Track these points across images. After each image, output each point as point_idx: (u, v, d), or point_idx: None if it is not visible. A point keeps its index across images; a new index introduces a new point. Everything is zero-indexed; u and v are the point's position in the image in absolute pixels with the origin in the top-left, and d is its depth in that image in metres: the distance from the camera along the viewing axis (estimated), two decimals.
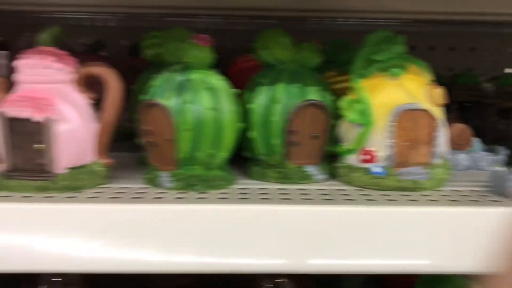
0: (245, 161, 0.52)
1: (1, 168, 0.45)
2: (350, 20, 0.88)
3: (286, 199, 0.43)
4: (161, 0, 0.84)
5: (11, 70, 0.60)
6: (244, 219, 0.40)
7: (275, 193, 0.45)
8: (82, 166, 0.45)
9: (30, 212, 0.39)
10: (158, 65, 0.56)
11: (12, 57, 0.59)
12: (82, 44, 0.80)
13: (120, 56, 0.83)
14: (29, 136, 0.43)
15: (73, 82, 0.46)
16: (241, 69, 0.57)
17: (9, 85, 0.47)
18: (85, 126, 0.45)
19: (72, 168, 0.44)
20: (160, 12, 0.86)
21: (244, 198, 0.43)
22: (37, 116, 0.42)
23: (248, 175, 0.50)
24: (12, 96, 0.44)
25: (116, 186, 0.46)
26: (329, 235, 0.39)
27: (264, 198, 0.43)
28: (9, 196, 0.42)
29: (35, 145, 0.43)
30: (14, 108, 0.42)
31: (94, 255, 0.39)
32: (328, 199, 0.43)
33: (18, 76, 0.45)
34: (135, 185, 0.47)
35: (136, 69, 0.62)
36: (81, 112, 0.45)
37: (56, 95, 0.44)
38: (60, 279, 0.57)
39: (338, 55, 0.60)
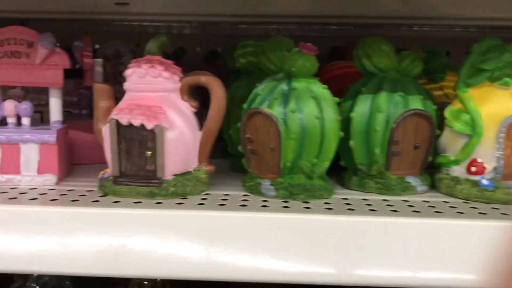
0: (337, 170, 0.51)
1: (107, 174, 0.46)
2: (439, 27, 0.86)
3: (394, 211, 0.42)
4: (234, 8, 0.84)
5: (106, 77, 0.62)
6: (356, 230, 0.39)
7: (380, 204, 0.44)
8: (187, 173, 0.46)
9: (143, 217, 0.40)
10: (248, 73, 0.57)
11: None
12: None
13: (195, 63, 0.84)
14: (139, 143, 0.44)
15: (179, 91, 0.46)
16: (331, 77, 0.57)
17: (113, 92, 0.49)
18: (191, 133, 0.46)
19: (178, 175, 0.45)
20: (233, 20, 0.87)
21: (350, 209, 0.42)
22: (149, 124, 0.43)
23: (345, 185, 0.50)
24: (122, 104, 0.45)
25: (218, 193, 0.47)
26: (451, 248, 0.38)
27: (372, 209, 0.42)
28: (119, 201, 0.43)
29: (146, 152, 0.44)
30: (127, 116, 0.43)
31: (203, 261, 0.39)
32: (437, 211, 0.42)
33: (127, 84, 0.46)
34: (235, 192, 0.47)
35: None
36: (187, 120, 0.46)
37: (164, 103, 0.45)
38: (148, 283, 0.58)
39: (427, 62, 0.59)
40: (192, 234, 0.40)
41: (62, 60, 0.49)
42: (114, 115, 0.44)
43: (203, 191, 0.47)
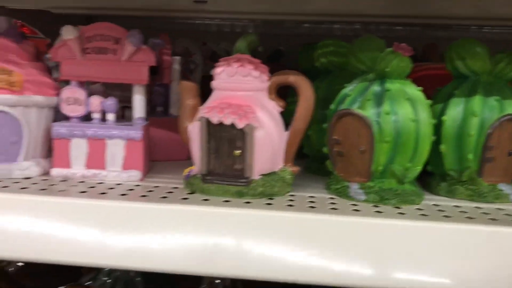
0: (421, 176, 0.50)
1: (193, 171, 0.46)
2: (497, 28, 0.83)
3: (492, 219, 0.40)
4: (298, 7, 0.83)
5: (183, 76, 0.62)
6: (458, 237, 0.38)
7: (475, 212, 0.42)
8: (272, 173, 0.45)
9: (236, 217, 0.40)
10: (327, 73, 0.56)
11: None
12: (224, 50, 0.81)
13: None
14: (229, 142, 0.43)
15: (266, 90, 0.46)
16: (415, 79, 0.55)
17: (199, 91, 0.49)
18: (279, 133, 0.45)
19: (265, 175, 0.45)
20: (297, 19, 0.86)
21: (446, 216, 0.40)
22: (240, 123, 0.42)
23: (432, 190, 0.48)
24: (212, 102, 0.45)
25: (302, 194, 0.46)
26: None
27: (468, 217, 0.40)
28: (208, 199, 0.43)
29: (235, 151, 0.43)
30: (218, 115, 0.43)
31: (299, 264, 0.39)
32: None
33: (216, 83, 0.46)
34: (319, 194, 0.46)
35: None
36: (274, 119, 0.45)
37: (253, 102, 0.44)
38: (220, 281, 0.57)
39: None
40: (285, 235, 0.39)
41: (148, 57, 0.49)
42: (205, 113, 0.44)
43: (288, 192, 0.46)
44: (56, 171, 0.48)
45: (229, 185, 0.44)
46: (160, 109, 0.62)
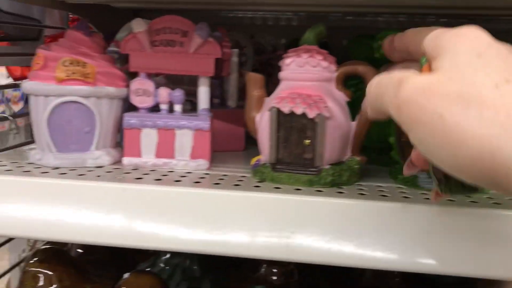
0: None
1: (261, 160, 0.47)
2: None
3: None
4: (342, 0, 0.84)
5: (240, 67, 0.63)
6: None
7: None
8: (341, 163, 0.46)
9: (311, 204, 0.41)
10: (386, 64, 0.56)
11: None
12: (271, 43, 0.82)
13: None
14: (298, 131, 0.44)
15: (334, 80, 0.47)
16: None
17: (265, 82, 0.50)
18: (347, 123, 0.46)
19: (334, 164, 0.45)
20: (341, 10, 0.87)
21: None
22: (311, 113, 0.43)
23: None
24: (282, 92, 0.46)
25: (370, 184, 0.47)
26: None
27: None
28: (280, 188, 0.44)
29: (305, 140, 0.44)
30: (289, 105, 0.44)
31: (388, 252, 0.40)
32: None
33: (285, 73, 0.47)
34: (387, 184, 0.47)
35: None
36: (342, 109, 0.46)
37: (323, 92, 0.45)
38: (277, 269, 0.59)
39: None
40: (363, 224, 0.40)
41: (215, 50, 0.50)
42: (275, 103, 0.45)
43: (356, 181, 0.47)
44: (127, 160, 0.50)
45: (299, 174, 0.45)
46: (217, 101, 0.63)
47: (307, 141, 0.44)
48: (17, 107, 2.49)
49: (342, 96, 0.47)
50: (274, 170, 0.46)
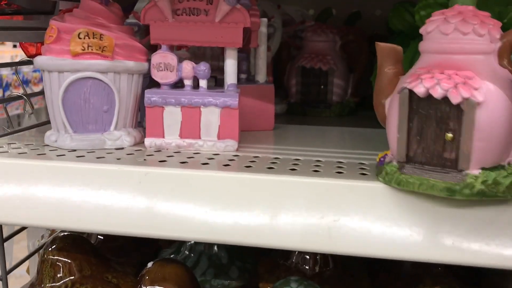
0: None
1: (388, 157, 0.37)
2: None
3: None
4: None
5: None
6: None
7: None
8: (500, 167, 0.34)
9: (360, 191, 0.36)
10: None
11: None
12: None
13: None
14: (437, 121, 0.33)
15: (496, 54, 0.34)
16: None
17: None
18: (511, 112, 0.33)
19: (488, 169, 0.33)
20: None
21: None
22: (456, 97, 0.32)
23: None
24: (419, 69, 0.35)
25: None
26: None
27: None
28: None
29: (446, 134, 0.33)
30: (424, 85, 0.32)
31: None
32: None
33: (425, 44, 0.36)
34: None
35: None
36: (506, 93, 0.33)
37: (477, 69, 0.33)
38: (311, 256, 0.55)
39: None
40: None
41: (243, 18, 0.45)
42: (407, 83, 0.34)
43: None
44: (149, 141, 0.46)
45: (437, 178, 0.33)
46: (244, 76, 0.58)
47: (450, 136, 0.33)
48: (37, 89, 2.49)
49: (507, 75, 0.34)
50: (401, 171, 0.35)
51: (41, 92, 0.63)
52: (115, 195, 0.38)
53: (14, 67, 0.62)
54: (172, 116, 0.45)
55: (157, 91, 0.45)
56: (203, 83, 0.46)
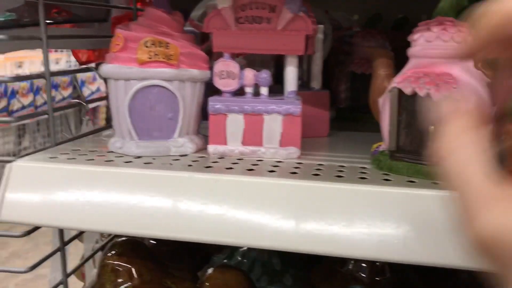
0: None
1: (382, 147, 0.43)
2: None
3: None
4: None
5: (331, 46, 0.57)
6: None
7: None
8: None
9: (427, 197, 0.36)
10: None
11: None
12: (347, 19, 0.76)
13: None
14: (423, 116, 0.38)
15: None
16: None
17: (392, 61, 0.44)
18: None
19: None
20: None
21: None
22: (436, 94, 0.37)
23: None
24: (407, 71, 0.40)
25: None
26: None
27: None
28: (390, 179, 0.39)
29: (431, 127, 0.38)
30: (411, 85, 0.38)
31: None
32: None
33: (413, 50, 0.41)
34: None
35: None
36: (480, 93, 0.37)
37: (457, 72, 0.38)
38: (367, 264, 0.54)
39: None
40: None
41: (306, 25, 0.45)
42: (397, 83, 0.40)
43: None
44: (212, 148, 0.46)
45: (421, 164, 0.39)
46: (299, 83, 0.58)
47: (433, 127, 0.38)
48: (93, 87, 2.56)
49: (481, 76, 0.38)
50: (392, 158, 0.41)
51: (99, 99, 0.64)
52: (186, 202, 0.39)
53: (71, 74, 0.63)
54: (235, 124, 0.46)
55: (220, 98, 0.46)
56: (264, 90, 0.46)
